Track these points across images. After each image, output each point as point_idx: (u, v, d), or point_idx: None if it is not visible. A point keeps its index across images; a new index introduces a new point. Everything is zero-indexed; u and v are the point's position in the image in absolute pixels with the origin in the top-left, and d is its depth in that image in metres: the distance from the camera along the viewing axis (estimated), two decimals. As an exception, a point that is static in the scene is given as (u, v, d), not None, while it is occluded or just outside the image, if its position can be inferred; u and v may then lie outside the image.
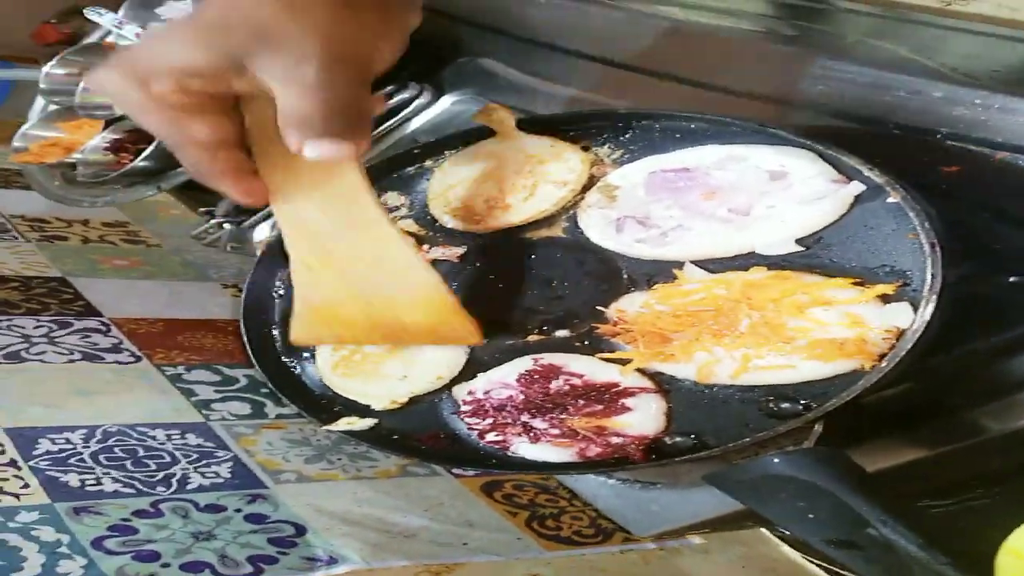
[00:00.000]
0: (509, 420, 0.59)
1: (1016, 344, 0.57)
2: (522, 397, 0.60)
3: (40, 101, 1.13)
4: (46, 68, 1.10)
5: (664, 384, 0.58)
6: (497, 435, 0.59)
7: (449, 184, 0.76)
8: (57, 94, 1.08)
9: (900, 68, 0.69)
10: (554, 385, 0.60)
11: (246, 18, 0.54)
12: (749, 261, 0.61)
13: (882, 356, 0.52)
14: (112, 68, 0.57)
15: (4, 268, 1.02)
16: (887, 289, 0.55)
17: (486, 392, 0.62)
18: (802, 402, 0.53)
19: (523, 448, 0.58)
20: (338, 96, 0.55)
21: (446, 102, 0.99)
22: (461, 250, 0.72)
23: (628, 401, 0.57)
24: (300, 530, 0.69)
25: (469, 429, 0.61)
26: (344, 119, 0.55)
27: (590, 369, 0.60)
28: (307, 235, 0.64)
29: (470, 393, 0.62)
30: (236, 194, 0.61)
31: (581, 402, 0.58)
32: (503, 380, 0.62)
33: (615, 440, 0.56)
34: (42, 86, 1.11)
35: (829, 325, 0.55)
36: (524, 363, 0.62)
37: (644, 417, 0.56)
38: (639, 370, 0.59)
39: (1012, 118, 0.62)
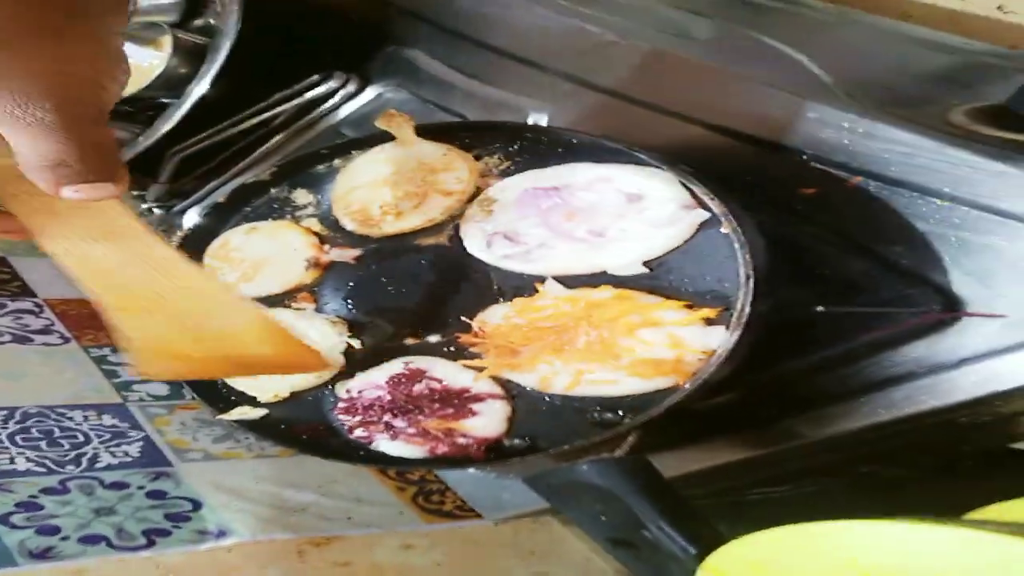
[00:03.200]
0: (374, 418, 0.65)
1: (825, 364, 0.62)
2: (388, 398, 0.66)
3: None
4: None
5: (512, 391, 0.63)
6: (363, 431, 0.65)
7: (351, 187, 0.80)
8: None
9: (786, 84, 0.72)
10: (417, 388, 0.65)
11: None
12: (600, 280, 0.66)
13: (692, 375, 0.58)
14: None
15: (-55, 247, 1.04)
16: (710, 313, 0.60)
17: (359, 391, 0.67)
18: (621, 413, 0.59)
19: (384, 444, 0.64)
20: (84, 134, 0.50)
21: (371, 93, 1.02)
22: (358, 252, 0.77)
23: (476, 406, 0.62)
24: (197, 505, 0.74)
25: (340, 424, 0.67)
26: (99, 157, 0.51)
27: (450, 374, 0.65)
28: (97, 274, 0.58)
29: (347, 391, 0.68)
30: None
31: (436, 405, 0.64)
32: (375, 381, 0.67)
33: (461, 440, 0.61)
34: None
35: (653, 345, 0.60)
36: (396, 366, 0.68)
37: (489, 421, 0.62)
38: (494, 377, 0.64)
39: (873, 143, 0.66)
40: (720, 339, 0.58)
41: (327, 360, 0.67)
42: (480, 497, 0.77)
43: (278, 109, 1.02)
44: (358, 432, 0.65)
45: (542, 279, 0.68)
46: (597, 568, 0.75)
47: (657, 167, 0.69)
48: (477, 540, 0.76)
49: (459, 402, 0.63)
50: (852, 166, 0.67)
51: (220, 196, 0.85)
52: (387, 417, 0.64)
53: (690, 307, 0.61)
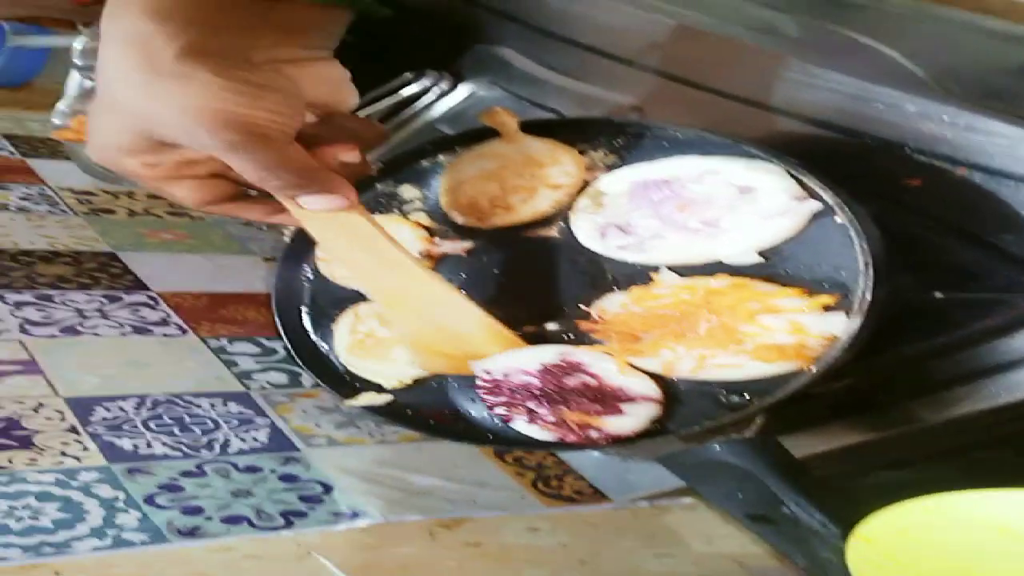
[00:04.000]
0: (519, 401, 0.67)
1: (942, 349, 0.65)
2: (538, 384, 0.67)
3: (75, 75, 1.16)
4: (77, 44, 1.12)
5: (667, 391, 0.64)
6: (504, 411, 0.67)
7: (458, 181, 0.83)
8: (92, 69, 1.11)
9: (882, 78, 0.74)
10: (569, 380, 0.66)
11: (134, 113, 0.54)
12: (715, 269, 0.69)
13: (817, 359, 0.61)
14: (87, 146, 0.59)
15: (57, 243, 1.10)
16: (829, 300, 0.64)
17: (504, 374, 0.68)
18: (748, 396, 0.62)
19: (519, 425, 0.67)
20: (275, 160, 0.55)
21: (464, 90, 1.05)
22: (469, 244, 0.80)
23: (627, 406, 0.64)
24: (327, 488, 0.78)
25: (482, 402, 0.68)
26: (299, 172, 0.57)
27: (606, 372, 0.66)
28: (363, 275, 0.70)
29: (487, 372, 0.69)
30: (259, 219, 0.66)
31: (585, 400, 0.65)
32: (522, 367, 0.68)
33: (593, 434, 0.64)
34: (76, 62, 1.13)
35: (775, 331, 0.63)
36: (547, 354, 0.69)
37: (632, 421, 0.64)
38: (654, 377, 0.65)
39: (974, 136, 0.68)
40: (841, 325, 0.61)
41: None
42: (606, 480, 0.80)
43: (373, 107, 1.05)
44: (499, 410, 0.67)
45: (656, 268, 0.71)
46: (718, 551, 0.78)
47: (765, 159, 0.71)
48: (598, 523, 0.80)
49: (611, 400, 0.64)
50: (956, 157, 0.69)
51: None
52: (532, 403, 0.66)
53: (808, 294, 0.64)
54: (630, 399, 0.64)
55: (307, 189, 0.58)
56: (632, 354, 0.67)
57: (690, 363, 0.64)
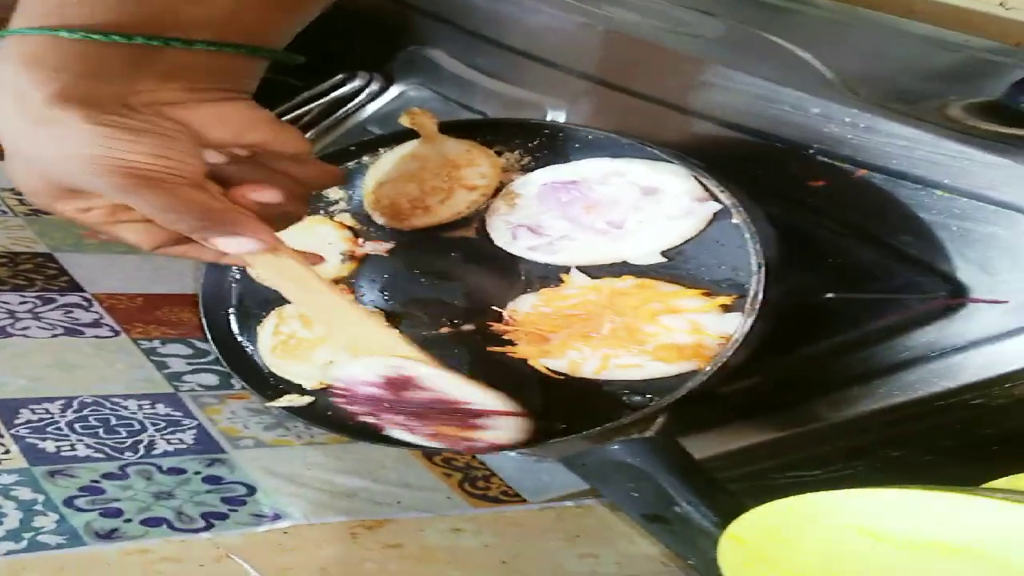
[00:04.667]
0: (381, 411, 0.65)
1: (839, 349, 0.67)
2: (390, 398, 0.65)
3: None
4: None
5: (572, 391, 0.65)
6: (374, 419, 0.66)
7: (380, 182, 0.84)
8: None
9: (790, 80, 0.75)
10: (410, 395, 0.64)
11: (28, 159, 0.53)
12: (621, 270, 0.70)
13: (712, 359, 0.62)
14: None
15: (-5, 244, 1.09)
16: (726, 300, 0.65)
17: (349, 384, 0.66)
18: (649, 396, 0.63)
19: (399, 434, 0.66)
20: (170, 203, 0.54)
21: (395, 91, 1.06)
22: (390, 245, 0.81)
23: (482, 421, 0.63)
24: (251, 490, 0.79)
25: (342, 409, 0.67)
26: (206, 215, 0.56)
27: (438, 384, 0.64)
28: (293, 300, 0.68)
29: (337, 380, 0.67)
30: (214, 260, 0.65)
31: (438, 414, 0.64)
32: (361, 378, 0.66)
33: (478, 444, 0.63)
34: None
35: (674, 331, 0.64)
36: (379, 366, 0.65)
37: (504, 434, 0.63)
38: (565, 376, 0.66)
39: (875, 137, 0.69)
40: (736, 325, 0.63)
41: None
42: (522, 480, 0.82)
43: (304, 109, 1.06)
44: (368, 420, 0.66)
45: (566, 269, 0.72)
46: (641, 551, 0.80)
47: (668, 160, 0.73)
48: (523, 523, 0.81)
49: (461, 415, 0.63)
50: (857, 159, 0.71)
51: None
52: (399, 418, 0.65)
53: (708, 295, 0.66)
54: (479, 414, 0.63)
55: (214, 231, 0.57)
56: (541, 355, 0.68)
57: (595, 363, 0.66)
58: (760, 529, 0.47)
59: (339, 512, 0.78)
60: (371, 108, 1.06)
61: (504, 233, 0.76)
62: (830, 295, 0.65)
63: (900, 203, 0.68)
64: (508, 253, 0.76)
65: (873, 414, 0.67)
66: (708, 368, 0.61)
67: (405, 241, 0.81)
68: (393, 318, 0.76)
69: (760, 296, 0.61)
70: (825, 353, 0.68)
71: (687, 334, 0.64)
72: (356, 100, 1.06)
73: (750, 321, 0.61)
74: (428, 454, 0.85)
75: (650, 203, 0.71)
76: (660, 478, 0.57)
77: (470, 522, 0.80)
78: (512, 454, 0.79)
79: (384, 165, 0.84)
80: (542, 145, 0.80)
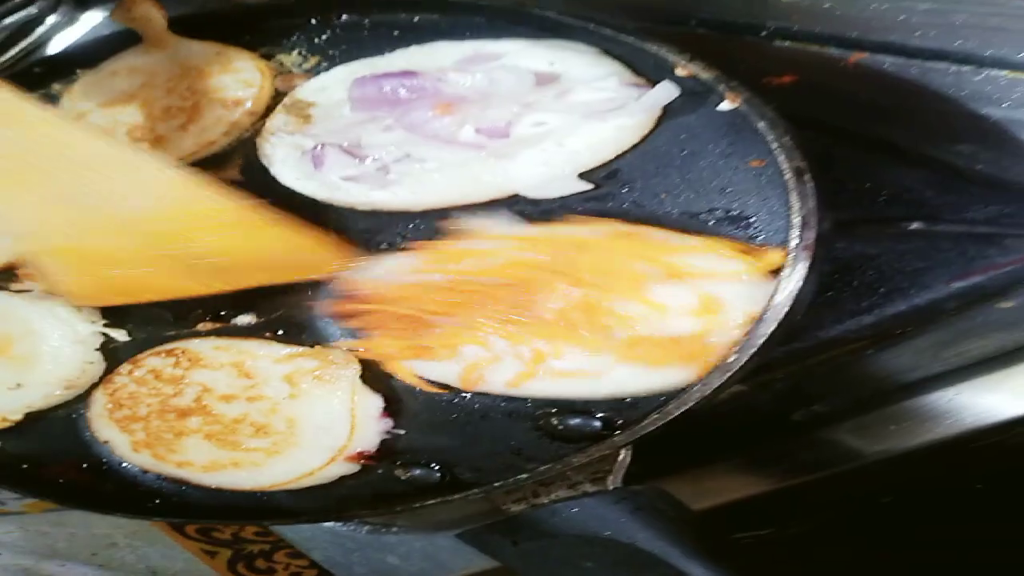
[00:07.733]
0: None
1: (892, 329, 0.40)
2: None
3: None
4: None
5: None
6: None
7: (80, 112, 0.59)
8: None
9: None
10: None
11: None
12: (514, 208, 0.41)
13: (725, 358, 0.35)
14: None
15: None
16: (778, 259, 0.37)
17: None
18: (598, 417, 0.35)
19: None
20: None
21: (92, 19, 0.77)
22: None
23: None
24: None
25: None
26: None
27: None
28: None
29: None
30: None
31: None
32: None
33: None
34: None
35: (668, 312, 0.36)
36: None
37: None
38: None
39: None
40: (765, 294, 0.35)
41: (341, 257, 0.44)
42: (350, 564, 0.51)
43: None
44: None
45: (444, 213, 0.44)
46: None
47: (575, 34, 0.48)
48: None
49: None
50: (848, 36, 0.48)
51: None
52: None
53: (745, 252, 0.38)
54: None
55: None
56: (413, 354, 0.40)
57: (513, 368, 0.37)
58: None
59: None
60: (59, 44, 0.77)
61: (297, 161, 0.47)
62: (915, 225, 0.38)
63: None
64: (303, 195, 0.46)
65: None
66: (722, 374, 0.34)
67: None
68: (115, 315, 0.50)
69: (812, 235, 0.34)
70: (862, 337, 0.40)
71: (691, 316, 0.35)
72: (36, 34, 0.78)
73: (800, 275, 0.33)
74: (175, 525, 0.60)
75: (550, 96, 0.44)
76: (669, 559, 0.30)
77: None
78: (328, 524, 0.50)
79: (86, 91, 0.61)
80: (336, 39, 0.58)
